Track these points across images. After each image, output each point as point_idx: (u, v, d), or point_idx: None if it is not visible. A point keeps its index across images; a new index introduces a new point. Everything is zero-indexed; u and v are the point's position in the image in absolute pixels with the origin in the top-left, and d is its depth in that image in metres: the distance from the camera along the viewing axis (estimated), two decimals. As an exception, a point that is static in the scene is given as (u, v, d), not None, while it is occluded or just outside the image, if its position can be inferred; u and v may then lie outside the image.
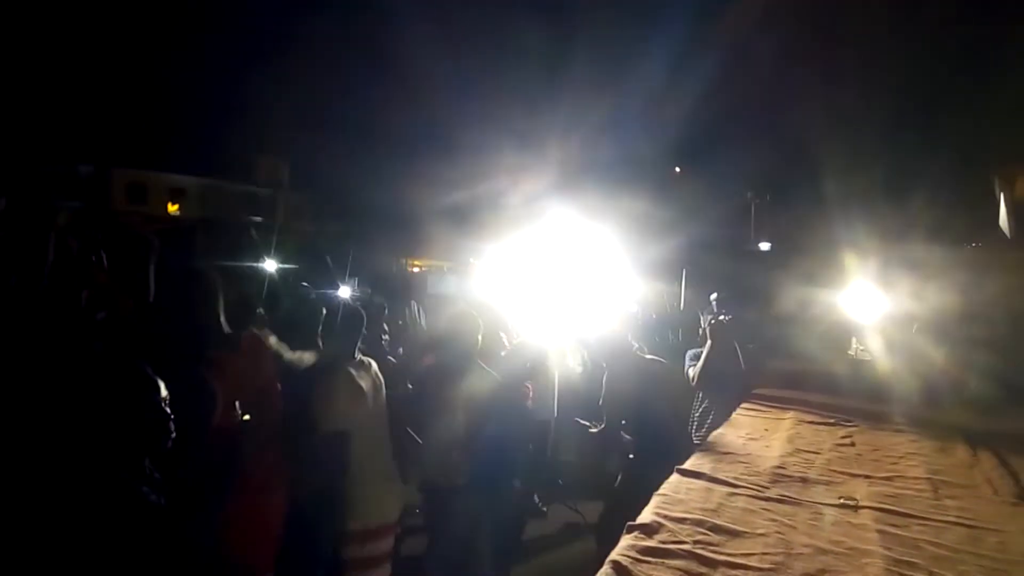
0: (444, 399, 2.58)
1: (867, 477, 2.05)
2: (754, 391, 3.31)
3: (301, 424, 2.17)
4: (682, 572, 1.37)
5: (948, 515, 1.73)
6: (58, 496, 1.30)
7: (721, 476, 1.97)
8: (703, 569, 1.38)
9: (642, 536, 1.52)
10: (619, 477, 3.15)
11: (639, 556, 1.42)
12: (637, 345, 3.53)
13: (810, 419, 2.86)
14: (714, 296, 4.44)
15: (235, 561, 2.01)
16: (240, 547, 2.02)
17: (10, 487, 1.29)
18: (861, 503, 1.79)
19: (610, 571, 1.35)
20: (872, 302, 4.18)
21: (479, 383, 2.63)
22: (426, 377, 2.87)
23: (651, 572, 1.36)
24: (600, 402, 3.32)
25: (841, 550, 1.48)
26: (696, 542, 1.49)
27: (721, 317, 3.63)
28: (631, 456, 3.17)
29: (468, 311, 2.92)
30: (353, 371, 2.37)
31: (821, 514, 1.72)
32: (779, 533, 1.57)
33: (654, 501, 1.76)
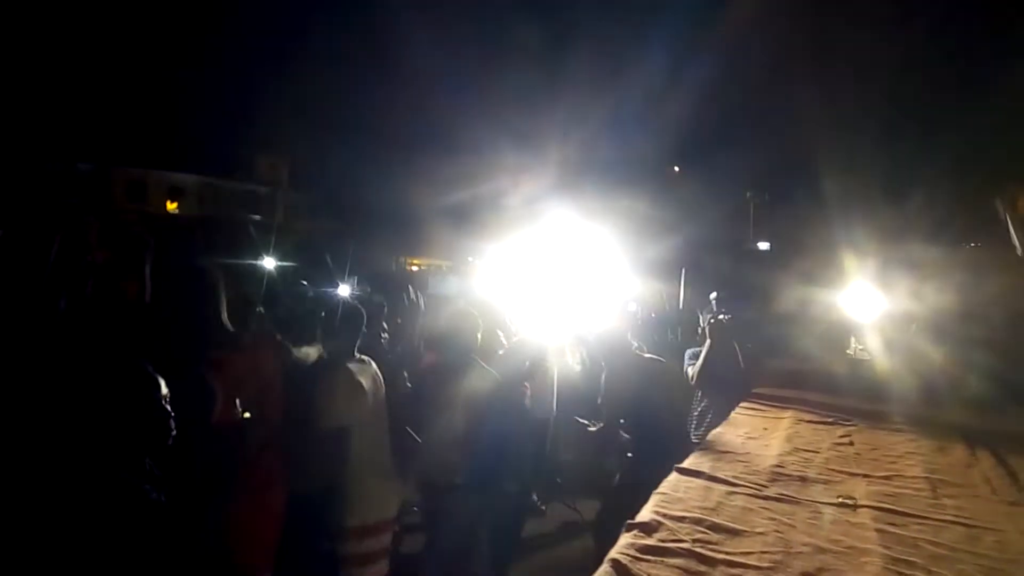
0: (443, 397, 2.59)
1: (866, 476, 2.06)
2: (753, 390, 3.31)
3: (301, 420, 2.17)
4: (681, 570, 1.37)
5: (946, 514, 1.73)
6: (59, 494, 1.30)
7: (720, 475, 1.97)
8: (702, 567, 1.38)
9: (641, 535, 1.52)
10: (618, 476, 3.16)
11: (638, 554, 1.42)
12: (636, 344, 3.55)
13: (809, 418, 2.86)
14: (713, 295, 4.45)
15: (235, 559, 2.01)
16: (241, 545, 2.02)
17: (10, 485, 1.29)
18: (860, 502, 1.79)
19: (609, 569, 1.35)
20: (871, 301, 4.19)
21: (478, 382, 2.63)
22: (425, 375, 2.87)
23: (650, 570, 1.36)
24: (599, 401, 3.32)
25: (840, 549, 1.49)
26: (695, 541, 1.50)
27: (720, 316, 3.64)
28: (630, 455, 3.18)
29: (468, 310, 2.92)
30: (353, 368, 2.38)
31: (820, 513, 1.72)
32: (778, 532, 1.57)
33: (653, 500, 1.76)
